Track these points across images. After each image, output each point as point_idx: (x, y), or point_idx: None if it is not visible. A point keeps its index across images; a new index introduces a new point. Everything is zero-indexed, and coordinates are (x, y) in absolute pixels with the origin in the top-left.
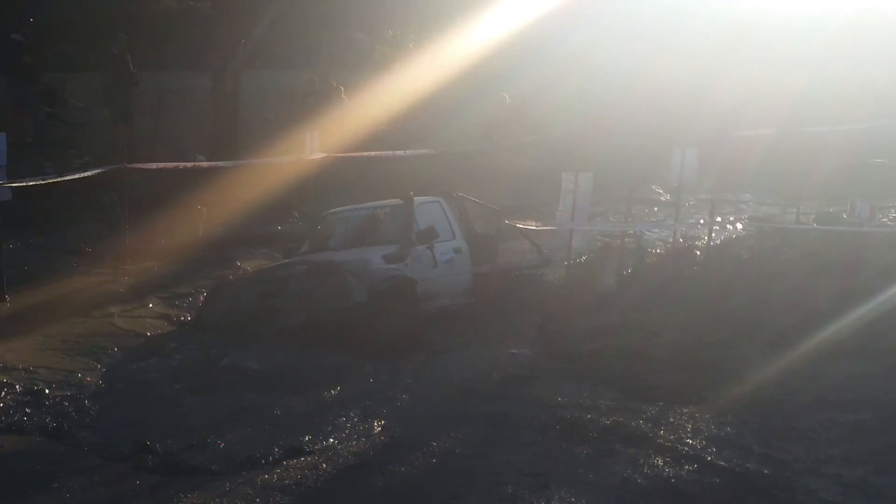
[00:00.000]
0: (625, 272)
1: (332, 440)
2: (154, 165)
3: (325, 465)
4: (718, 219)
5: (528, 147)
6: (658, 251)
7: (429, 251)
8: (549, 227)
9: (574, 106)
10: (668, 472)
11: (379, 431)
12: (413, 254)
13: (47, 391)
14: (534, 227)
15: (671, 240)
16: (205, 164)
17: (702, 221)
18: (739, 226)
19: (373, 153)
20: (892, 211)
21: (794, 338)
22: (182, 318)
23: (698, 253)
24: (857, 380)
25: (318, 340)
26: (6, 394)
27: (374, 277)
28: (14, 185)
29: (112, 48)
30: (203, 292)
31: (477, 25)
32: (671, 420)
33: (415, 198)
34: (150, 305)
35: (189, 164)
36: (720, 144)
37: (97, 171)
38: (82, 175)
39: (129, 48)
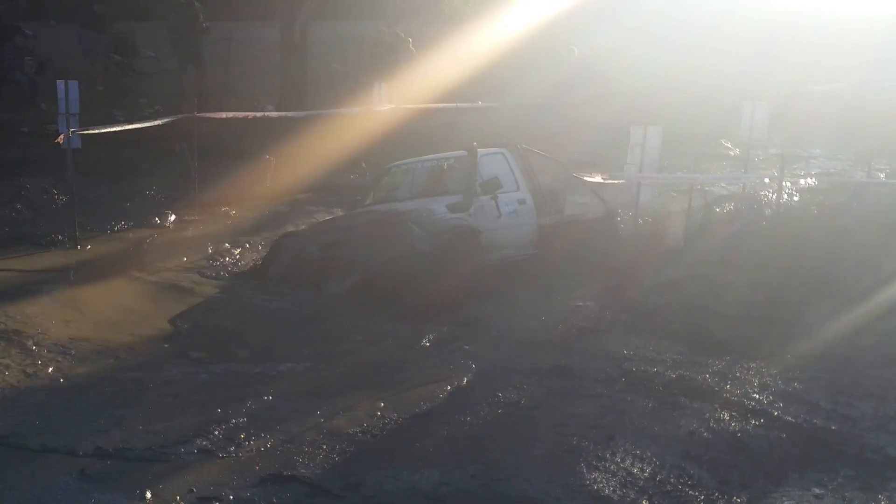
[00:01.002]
0: (692, 226)
1: (398, 389)
2: (223, 115)
3: (389, 414)
4: (788, 175)
5: (597, 100)
6: (726, 206)
7: (493, 202)
8: (616, 182)
9: (644, 60)
10: (734, 426)
11: (444, 381)
12: (477, 204)
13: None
14: (600, 181)
15: (740, 194)
16: (273, 114)
17: (769, 178)
18: (809, 181)
19: (439, 105)
20: None
21: (863, 294)
22: (248, 268)
23: (767, 208)
24: None
25: (383, 292)
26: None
27: (438, 227)
28: (85, 132)
29: None
30: (261, 244)
31: None
32: (738, 375)
33: (479, 149)
34: (216, 256)
35: (258, 115)
36: (791, 99)
37: (167, 119)
38: (153, 123)
39: None
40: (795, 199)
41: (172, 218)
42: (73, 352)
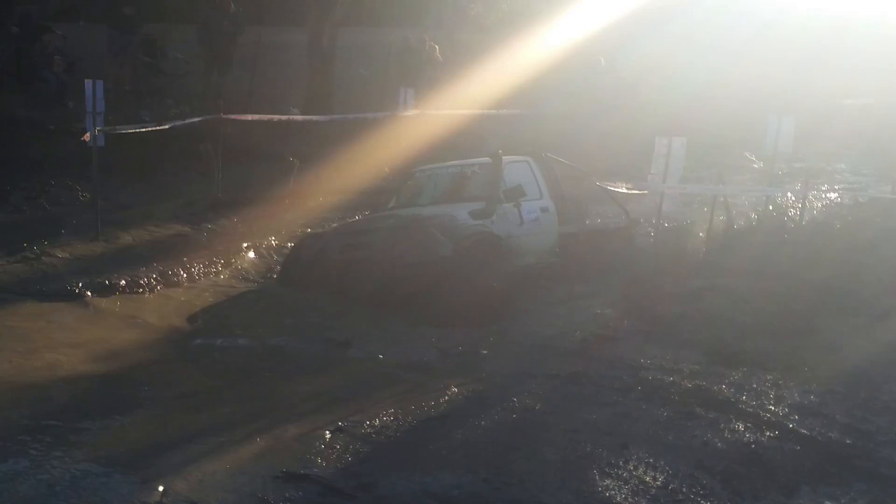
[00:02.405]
0: (714, 237)
1: (414, 391)
2: (249, 117)
3: (405, 417)
4: (812, 189)
5: (622, 110)
6: (749, 218)
7: (515, 209)
8: (640, 192)
9: (681, 72)
10: (749, 437)
11: (461, 386)
12: (499, 211)
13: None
14: (624, 190)
15: (762, 207)
16: (299, 117)
17: (791, 193)
18: (833, 195)
19: (464, 111)
20: None
21: (883, 309)
22: (270, 268)
23: (790, 221)
24: None
25: (404, 297)
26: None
27: (460, 233)
28: (111, 131)
29: None
30: (283, 245)
31: None
32: (754, 386)
33: (503, 156)
34: (237, 256)
35: (283, 118)
36: (820, 113)
37: (194, 119)
38: (179, 124)
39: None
40: (818, 213)
41: (195, 216)
42: (92, 349)
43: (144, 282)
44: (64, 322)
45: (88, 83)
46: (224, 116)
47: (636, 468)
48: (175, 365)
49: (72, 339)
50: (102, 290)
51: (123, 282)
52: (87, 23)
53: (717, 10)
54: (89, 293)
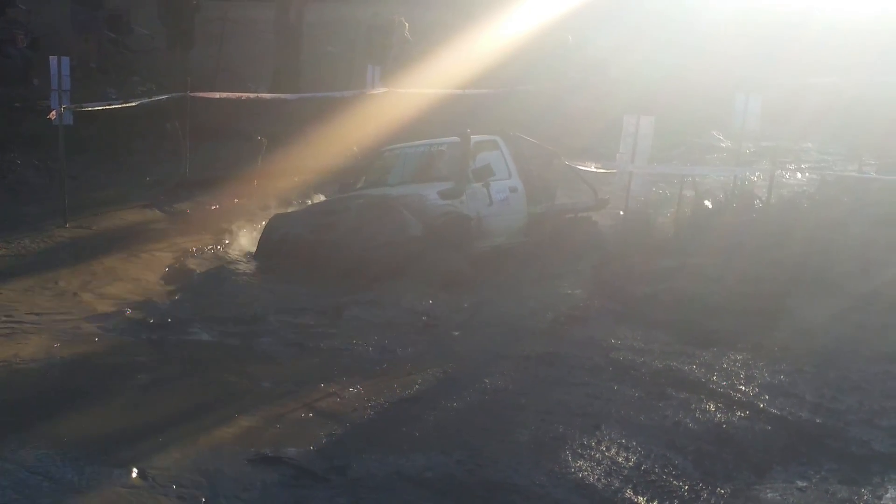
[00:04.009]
0: (682, 217)
1: (386, 374)
2: (217, 95)
3: (377, 399)
4: (779, 168)
5: (589, 88)
6: (717, 197)
7: (484, 189)
8: (608, 171)
9: (635, 48)
10: (720, 417)
11: (432, 367)
12: (469, 191)
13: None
14: (593, 170)
15: (731, 186)
16: (267, 95)
17: (759, 172)
18: (800, 174)
19: (433, 90)
20: None
21: (852, 288)
22: (239, 248)
23: (757, 200)
24: None
25: (373, 276)
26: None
27: (429, 213)
28: (78, 108)
29: None
30: (251, 225)
31: None
32: (724, 366)
33: (472, 136)
34: (202, 240)
35: (251, 95)
36: (786, 92)
37: (161, 97)
38: (146, 101)
39: None
40: (786, 192)
41: (162, 197)
42: (60, 337)
43: (114, 268)
44: (35, 310)
45: (53, 59)
46: (191, 94)
47: (608, 449)
48: (144, 352)
49: (39, 326)
50: (70, 277)
51: (92, 269)
52: None
53: None
54: (58, 281)
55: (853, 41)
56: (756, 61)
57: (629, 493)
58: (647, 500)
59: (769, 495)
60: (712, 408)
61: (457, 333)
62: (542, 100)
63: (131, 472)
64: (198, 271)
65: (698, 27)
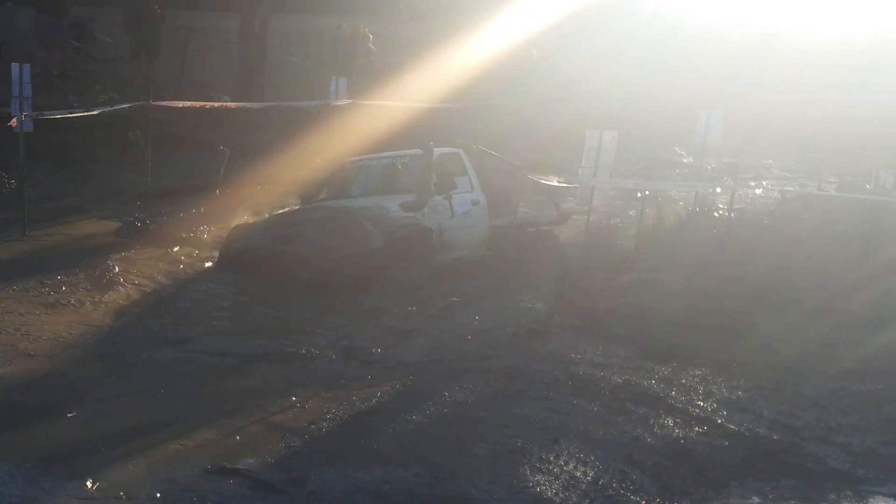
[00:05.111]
0: (644, 232)
1: (344, 387)
2: (180, 104)
3: (336, 411)
4: (740, 184)
5: (553, 103)
6: (678, 213)
7: (446, 202)
8: (570, 185)
9: (602, 65)
10: (678, 432)
11: (392, 380)
12: (431, 204)
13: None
14: (555, 184)
15: (692, 202)
16: (231, 104)
17: (721, 187)
18: (760, 191)
19: (397, 103)
20: None
21: (810, 305)
22: (196, 267)
23: (718, 216)
24: (871, 350)
25: (333, 287)
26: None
27: (391, 225)
28: (39, 116)
29: None
30: (205, 237)
31: None
32: (683, 381)
33: (434, 149)
34: (162, 251)
35: (215, 105)
36: (748, 110)
37: (123, 106)
38: (108, 110)
39: None
40: (746, 208)
41: (123, 206)
42: (15, 352)
43: (72, 282)
44: None
45: (15, 66)
46: (154, 103)
47: (567, 463)
48: (98, 367)
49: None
50: (28, 293)
51: (51, 283)
52: (15, 4)
53: (654, 14)
54: (14, 293)
55: (821, 61)
56: (724, 79)
57: None
58: None
59: None
60: (671, 423)
61: (416, 345)
62: (507, 115)
63: (85, 483)
64: (158, 283)
65: (667, 46)
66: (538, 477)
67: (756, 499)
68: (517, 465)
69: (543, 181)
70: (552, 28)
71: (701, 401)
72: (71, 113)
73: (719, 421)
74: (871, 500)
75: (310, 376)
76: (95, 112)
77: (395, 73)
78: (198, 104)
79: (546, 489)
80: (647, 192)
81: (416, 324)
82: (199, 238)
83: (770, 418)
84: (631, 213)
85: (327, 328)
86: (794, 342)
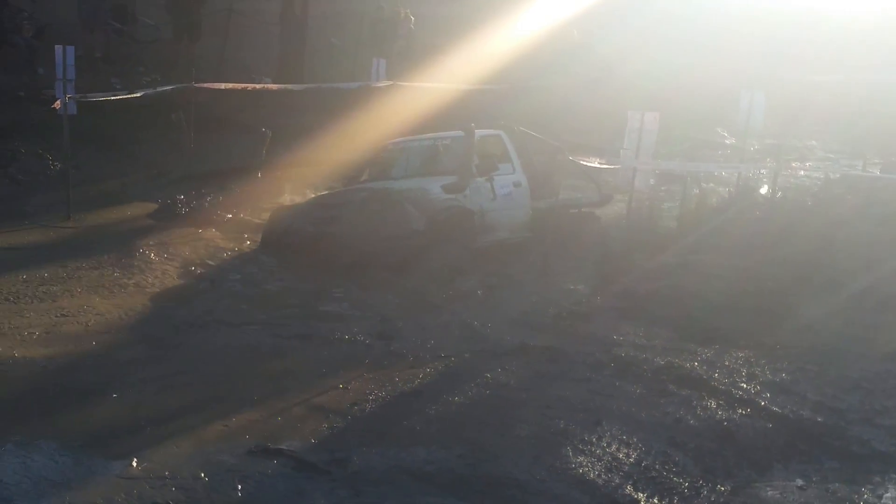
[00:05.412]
0: (686, 214)
1: (386, 368)
2: (222, 86)
3: (379, 392)
4: (783, 165)
5: (595, 84)
6: (721, 194)
7: (488, 183)
8: (612, 166)
9: (641, 45)
10: (721, 414)
11: (434, 362)
12: (472, 185)
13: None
14: (597, 165)
15: (735, 183)
16: (273, 86)
17: (765, 168)
18: (804, 172)
19: (437, 85)
20: None
21: (854, 287)
22: (237, 250)
23: (761, 197)
24: None
25: (374, 269)
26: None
27: (433, 207)
28: (82, 98)
29: None
30: (247, 219)
31: None
32: (726, 363)
33: (476, 130)
34: (205, 233)
35: (257, 87)
36: (791, 90)
37: (165, 88)
38: (151, 92)
39: None
40: (790, 189)
41: (167, 189)
42: (63, 334)
43: (116, 265)
44: (38, 307)
45: (59, 49)
46: (196, 85)
47: (609, 445)
48: (143, 348)
49: (40, 323)
50: (72, 275)
51: (95, 266)
52: None
53: None
54: (64, 277)
55: (861, 40)
56: (764, 59)
57: (629, 489)
58: (647, 497)
59: (769, 493)
60: (713, 405)
61: (459, 327)
62: (548, 97)
63: (130, 463)
64: (200, 265)
65: (706, 26)
66: (580, 458)
67: (800, 481)
68: (559, 446)
69: (585, 163)
70: (592, 9)
71: (744, 383)
72: (114, 95)
73: (762, 403)
74: None
75: (352, 358)
76: (138, 94)
77: (434, 55)
78: (240, 86)
79: (588, 470)
80: (691, 174)
81: (457, 306)
82: (241, 220)
83: (814, 401)
84: (672, 193)
85: (368, 310)
86: (837, 324)
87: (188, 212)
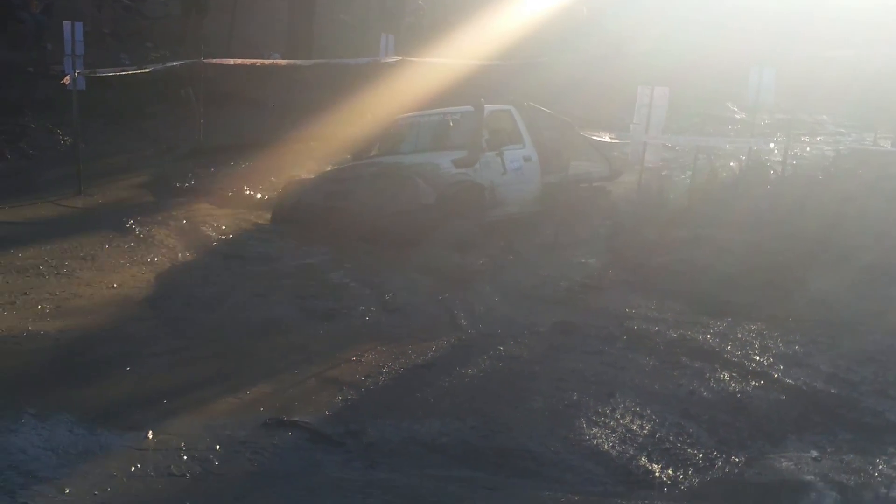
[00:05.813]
0: (696, 188)
1: (399, 341)
2: (231, 61)
3: (392, 365)
4: (794, 140)
5: (604, 61)
6: (731, 169)
7: (498, 158)
8: (622, 141)
9: (651, 21)
10: (734, 387)
11: (447, 334)
12: (482, 160)
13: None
14: (607, 140)
15: (744, 157)
16: (281, 62)
17: (774, 144)
18: (813, 147)
19: (446, 60)
20: None
21: (865, 261)
22: (254, 218)
23: (772, 172)
24: None
25: (385, 243)
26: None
27: (443, 181)
28: (91, 74)
29: None
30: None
31: None
32: (738, 336)
33: (486, 105)
34: (215, 207)
35: (266, 62)
36: (800, 66)
37: (174, 63)
38: (160, 67)
39: None
40: (801, 164)
41: (175, 163)
42: (74, 308)
43: (126, 239)
44: (51, 281)
45: (67, 25)
46: (205, 60)
47: (623, 417)
48: (154, 322)
49: (52, 297)
50: (83, 249)
51: (106, 240)
52: None
53: None
54: (77, 252)
55: (873, 16)
56: (775, 36)
57: (643, 460)
58: (661, 468)
59: (783, 464)
60: (727, 377)
61: (471, 300)
62: (557, 73)
63: (145, 435)
64: (211, 239)
65: (717, 3)
66: (594, 430)
67: (814, 452)
68: (573, 418)
69: (595, 137)
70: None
71: (757, 355)
72: (123, 71)
73: (776, 375)
74: None
75: (364, 332)
76: (147, 69)
77: (443, 31)
78: (248, 62)
79: (602, 442)
80: (701, 149)
81: (469, 280)
82: (252, 195)
83: (827, 373)
84: (682, 168)
85: (379, 285)
86: (848, 297)
87: (198, 186)
